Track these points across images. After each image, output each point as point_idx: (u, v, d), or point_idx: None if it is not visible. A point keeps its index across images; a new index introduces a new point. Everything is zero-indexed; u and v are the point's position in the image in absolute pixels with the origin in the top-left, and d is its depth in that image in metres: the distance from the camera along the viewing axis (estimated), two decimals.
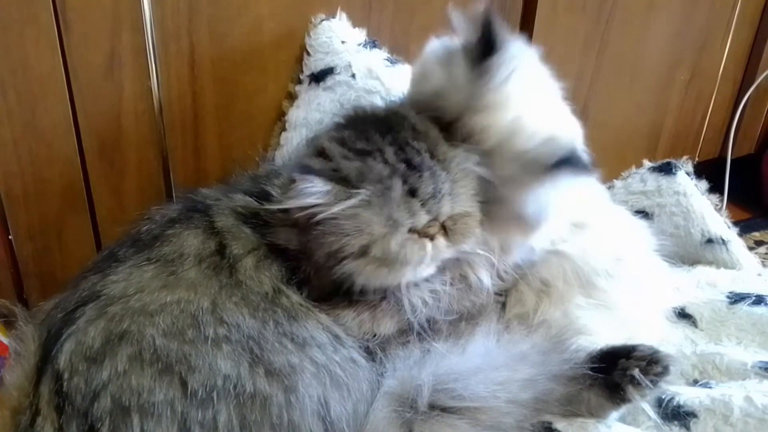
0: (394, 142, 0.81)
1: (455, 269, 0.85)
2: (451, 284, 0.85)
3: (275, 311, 0.79)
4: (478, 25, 0.83)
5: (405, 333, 0.84)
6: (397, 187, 0.77)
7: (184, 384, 0.71)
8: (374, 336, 0.83)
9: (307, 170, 0.78)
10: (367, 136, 0.82)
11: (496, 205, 0.83)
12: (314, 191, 0.77)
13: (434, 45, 0.91)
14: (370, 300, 0.84)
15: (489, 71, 0.82)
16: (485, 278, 0.86)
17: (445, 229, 0.81)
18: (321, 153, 0.82)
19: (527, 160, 0.81)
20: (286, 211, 0.83)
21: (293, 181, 0.78)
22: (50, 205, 1.07)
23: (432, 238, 0.80)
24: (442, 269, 0.84)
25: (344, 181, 0.78)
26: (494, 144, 0.82)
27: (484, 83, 0.83)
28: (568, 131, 0.87)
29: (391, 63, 1.12)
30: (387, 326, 0.84)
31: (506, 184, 0.82)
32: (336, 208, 0.77)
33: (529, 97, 0.85)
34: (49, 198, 1.07)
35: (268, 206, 0.84)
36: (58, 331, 0.76)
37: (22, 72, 0.98)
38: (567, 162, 0.79)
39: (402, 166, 0.79)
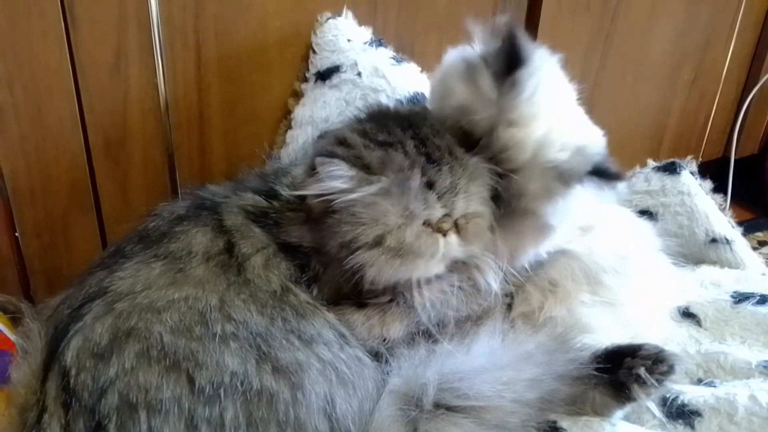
0: (415, 137, 0.82)
1: (464, 272, 0.85)
2: (460, 287, 0.85)
3: (283, 308, 0.79)
4: (500, 38, 0.83)
5: (413, 335, 0.85)
6: (416, 178, 0.78)
7: (191, 381, 0.71)
8: (384, 341, 0.83)
9: (330, 155, 0.78)
10: (388, 129, 0.83)
11: (517, 217, 0.83)
12: (339, 174, 0.77)
13: (452, 57, 0.89)
14: (379, 303, 0.84)
15: (518, 84, 0.81)
16: (493, 282, 0.86)
17: (457, 228, 0.81)
18: (342, 142, 0.82)
19: (560, 171, 0.82)
20: (296, 209, 0.84)
21: (313, 168, 0.79)
22: (56, 202, 1.07)
23: (445, 234, 0.80)
24: (450, 272, 0.84)
25: (366, 169, 0.78)
26: (528, 157, 0.82)
27: (514, 96, 0.82)
28: (595, 138, 0.87)
29: (397, 62, 1.12)
30: (397, 330, 0.84)
31: (536, 198, 0.82)
32: (356, 195, 0.77)
33: (556, 107, 0.85)
34: (56, 195, 1.07)
35: (289, 192, 0.85)
36: (65, 327, 0.76)
37: (29, 68, 0.98)
38: (598, 172, 0.80)
39: (422, 159, 0.79)
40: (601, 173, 0.81)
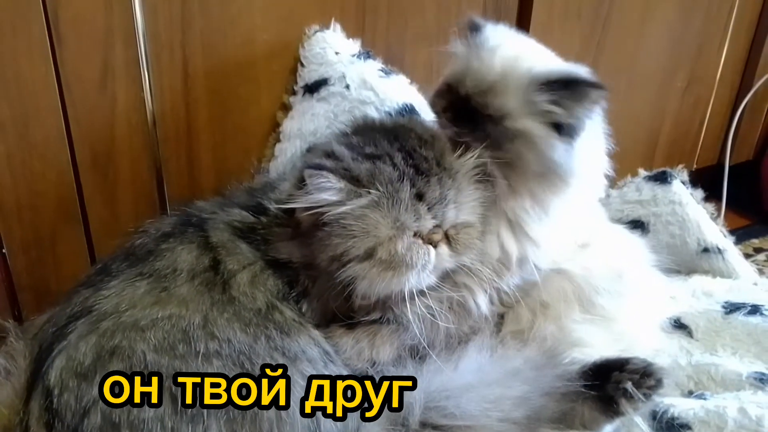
0: (402, 149, 0.82)
1: (455, 291, 0.85)
2: (450, 307, 0.85)
3: (267, 326, 0.78)
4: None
5: (402, 357, 0.84)
6: (406, 190, 0.78)
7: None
8: (374, 365, 0.83)
9: (319, 167, 0.78)
10: (376, 142, 0.83)
11: (515, 146, 0.83)
12: (328, 186, 0.77)
13: None
14: (368, 324, 0.84)
15: (482, 34, 0.88)
16: (483, 304, 0.86)
17: (448, 239, 0.81)
18: (330, 155, 0.82)
19: (531, 79, 0.82)
20: (284, 224, 0.83)
21: (302, 180, 0.78)
22: (44, 218, 1.07)
23: (435, 245, 0.80)
24: (441, 286, 0.84)
25: (355, 181, 0.78)
26: (497, 76, 0.83)
27: (480, 42, 0.87)
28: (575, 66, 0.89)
29: (386, 74, 1.12)
30: (387, 353, 0.84)
31: (520, 115, 0.82)
32: (346, 207, 0.77)
33: (522, 44, 0.90)
34: (43, 210, 1.06)
35: (277, 206, 0.84)
36: (49, 346, 0.76)
37: (15, 84, 0.97)
38: (572, 80, 0.82)
39: (410, 171, 0.79)
40: (576, 81, 0.82)
